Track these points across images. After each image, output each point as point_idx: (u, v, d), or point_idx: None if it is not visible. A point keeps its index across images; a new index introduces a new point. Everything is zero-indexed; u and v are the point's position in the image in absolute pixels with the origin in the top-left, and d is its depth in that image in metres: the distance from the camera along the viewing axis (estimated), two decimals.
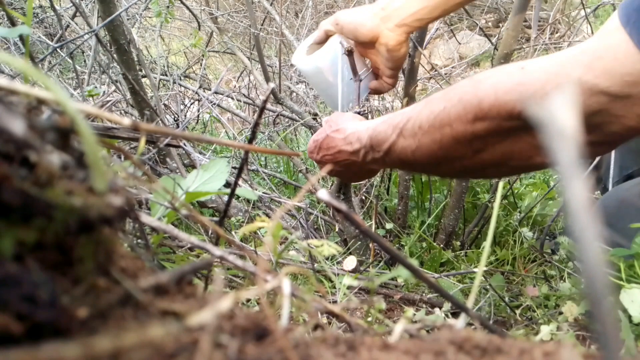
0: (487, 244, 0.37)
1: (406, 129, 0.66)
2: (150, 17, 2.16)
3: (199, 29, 1.65)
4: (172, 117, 1.69)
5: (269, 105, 1.78)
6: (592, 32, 2.04)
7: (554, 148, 0.15)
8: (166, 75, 1.84)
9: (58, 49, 1.34)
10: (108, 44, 1.20)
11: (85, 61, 2.10)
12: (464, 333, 0.23)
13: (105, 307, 0.20)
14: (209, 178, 0.55)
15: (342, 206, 0.28)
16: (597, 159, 1.08)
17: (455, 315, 0.83)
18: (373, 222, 1.19)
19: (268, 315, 0.22)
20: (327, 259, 0.98)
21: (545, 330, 0.59)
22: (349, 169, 0.83)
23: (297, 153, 0.34)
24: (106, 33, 1.04)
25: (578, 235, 0.14)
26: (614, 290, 0.61)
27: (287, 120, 1.85)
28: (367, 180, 1.34)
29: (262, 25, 1.96)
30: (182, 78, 1.99)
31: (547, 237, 1.23)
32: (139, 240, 0.44)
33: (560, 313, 0.77)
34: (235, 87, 2.52)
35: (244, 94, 2.08)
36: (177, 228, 0.94)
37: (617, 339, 0.14)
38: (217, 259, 0.34)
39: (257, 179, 1.63)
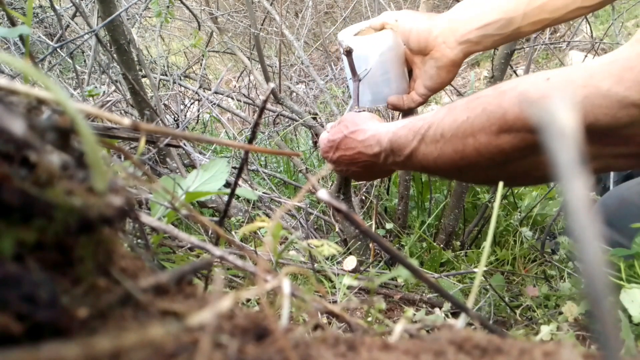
0: (487, 244, 0.37)
1: (428, 136, 0.65)
2: (150, 17, 2.16)
3: (199, 29, 1.65)
4: (172, 117, 1.69)
5: (269, 105, 1.78)
6: (592, 32, 2.04)
7: (554, 148, 0.15)
8: (166, 75, 1.84)
9: (58, 49, 1.34)
10: (108, 44, 1.20)
11: (85, 61, 2.10)
12: (464, 333, 0.23)
13: (105, 307, 0.20)
14: (209, 178, 0.55)
15: (342, 206, 0.28)
16: None
17: (455, 315, 0.83)
18: (373, 222, 1.19)
19: (268, 315, 0.22)
20: (327, 259, 0.98)
21: (545, 330, 0.59)
22: (369, 170, 0.81)
23: (297, 153, 0.34)
24: (106, 33, 1.04)
25: (578, 235, 0.14)
26: (614, 290, 0.61)
27: (287, 120, 1.85)
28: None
29: (262, 25, 1.96)
30: (182, 78, 1.99)
31: (547, 237, 1.23)
32: (139, 240, 0.44)
33: (560, 313, 0.77)
34: (235, 87, 2.52)
35: (244, 94, 2.08)
36: (177, 228, 0.94)
37: (617, 339, 0.14)
38: (217, 259, 0.34)
39: (257, 179, 1.63)
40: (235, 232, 1.00)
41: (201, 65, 2.02)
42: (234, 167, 1.32)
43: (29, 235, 0.18)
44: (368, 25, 0.92)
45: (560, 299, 0.88)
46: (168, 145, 0.82)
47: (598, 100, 0.50)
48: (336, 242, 1.19)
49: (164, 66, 1.85)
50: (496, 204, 0.42)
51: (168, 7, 1.30)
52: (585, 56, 1.74)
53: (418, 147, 0.67)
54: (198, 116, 2.06)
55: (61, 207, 0.18)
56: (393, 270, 0.67)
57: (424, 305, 0.90)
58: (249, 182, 1.27)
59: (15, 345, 0.15)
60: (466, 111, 0.61)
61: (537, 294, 0.90)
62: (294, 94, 2.10)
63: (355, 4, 2.58)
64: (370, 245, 1.09)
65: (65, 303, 0.18)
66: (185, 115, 1.78)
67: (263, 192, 1.25)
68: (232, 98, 2.16)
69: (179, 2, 1.47)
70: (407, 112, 0.94)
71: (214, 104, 1.74)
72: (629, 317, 0.58)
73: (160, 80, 1.77)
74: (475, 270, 0.98)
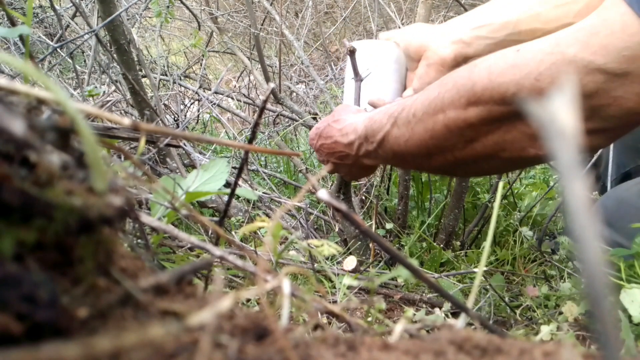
0: (487, 244, 0.37)
1: (400, 118, 0.64)
2: (150, 17, 2.16)
3: (199, 29, 1.65)
4: (172, 117, 1.69)
5: (269, 105, 1.78)
6: None
7: (554, 148, 0.15)
8: (166, 75, 1.84)
9: (58, 49, 1.34)
10: (108, 44, 1.20)
11: (85, 61, 2.10)
12: (464, 333, 0.23)
13: (105, 307, 0.20)
14: (209, 178, 0.55)
15: (342, 206, 0.28)
16: (596, 157, 1.08)
17: (455, 315, 0.83)
18: (373, 222, 1.19)
19: (268, 315, 0.22)
20: (327, 259, 0.98)
21: (545, 330, 0.59)
22: (344, 162, 0.80)
23: (297, 153, 0.34)
24: (106, 33, 1.04)
25: (578, 235, 0.14)
26: (614, 290, 0.61)
27: (287, 120, 1.85)
28: (367, 180, 1.34)
29: (262, 25, 1.96)
30: (182, 78, 1.99)
31: (547, 237, 1.23)
32: (139, 240, 0.44)
33: (560, 313, 0.77)
34: (235, 87, 2.52)
35: (244, 94, 2.08)
36: (177, 228, 0.94)
37: (617, 339, 0.14)
38: (217, 259, 0.34)
39: (257, 179, 1.63)
40: (235, 232, 1.00)
41: (201, 65, 2.02)
42: (234, 167, 1.32)
43: (29, 235, 0.18)
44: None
45: (560, 299, 0.88)
46: (168, 145, 0.82)
47: (564, 66, 0.50)
48: (336, 242, 1.19)
49: (164, 66, 1.85)
50: (496, 204, 0.42)
51: (168, 7, 1.30)
52: None
53: (390, 130, 0.66)
54: (198, 116, 2.06)
55: (61, 207, 0.18)
56: (393, 270, 0.67)
57: (424, 305, 0.90)
58: (249, 182, 1.27)
59: (15, 345, 0.15)
60: (438, 87, 0.60)
61: (537, 294, 0.90)
62: (294, 94, 2.10)
63: (355, 4, 2.58)
64: (371, 245, 1.09)
65: (65, 303, 0.18)
66: (185, 115, 1.78)
67: (263, 192, 1.25)
68: (232, 98, 2.16)
69: (179, 2, 1.47)
70: None
71: (214, 104, 1.74)
72: (629, 317, 0.58)
73: (160, 80, 1.77)
74: (475, 270, 0.98)
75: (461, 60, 0.79)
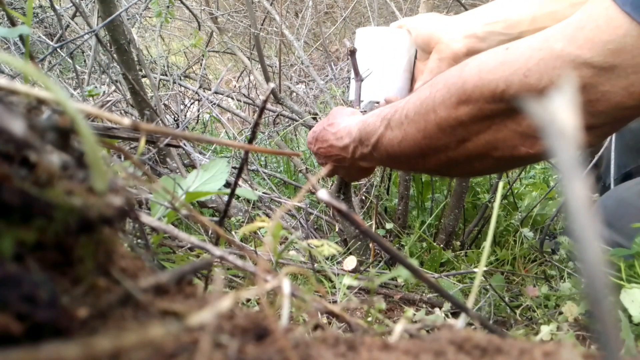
0: (487, 244, 0.37)
1: (393, 120, 0.64)
2: (150, 17, 2.16)
3: (199, 29, 1.65)
4: (172, 117, 1.69)
5: (269, 105, 1.78)
6: None
7: (554, 148, 0.15)
8: (166, 75, 1.84)
9: (58, 49, 1.34)
10: (108, 44, 1.20)
11: (85, 61, 2.10)
12: (464, 333, 0.23)
13: (105, 307, 0.20)
14: (209, 178, 0.55)
15: (342, 206, 0.28)
16: (597, 157, 1.07)
17: (455, 315, 0.83)
18: (373, 222, 1.19)
19: (268, 315, 0.22)
20: (327, 259, 0.98)
21: (545, 330, 0.59)
22: (341, 165, 0.81)
23: (297, 153, 0.34)
24: (106, 33, 1.04)
25: (578, 235, 0.14)
26: (614, 290, 0.61)
27: (287, 120, 1.85)
28: (367, 180, 1.33)
29: (262, 25, 1.96)
30: (182, 78, 1.99)
31: (547, 237, 1.23)
32: (139, 240, 0.44)
33: (560, 313, 0.77)
34: (235, 87, 2.52)
35: (244, 94, 2.08)
36: (177, 228, 0.94)
37: (617, 339, 0.14)
38: (217, 259, 0.34)
39: (257, 179, 1.63)
40: (235, 232, 1.00)
41: (201, 65, 2.02)
42: (234, 167, 1.32)
43: (29, 235, 0.18)
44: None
45: (560, 299, 0.88)
46: (168, 145, 0.82)
47: (552, 61, 0.50)
48: (336, 242, 1.19)
49: (164, 66, 1.85)
50: (496, 204, 0.42)
51: (168, 7, 1.30)
52: None
53: (384, 133, 0.66)
54: (198, 116, 2.06)
55: (61, 207, 0.18)
56: (393, 270, 0.67)
57: (424, 305, 0.90)
58: (249, 182, 1.27)
59: (15, 345, 0.15)
60: (429, 87, 0.61)
61: (537, 294, 0.90)
62: (294, 94, 2.10)
63: (355, 4, 2.59)
64: (371, 245, 1.09)
65: (65, 303, 0.18)
66: (185, 115, 1.78)
67: (263, 192, 1.25)
68: (232, 98, 2.16)
69: (179, 2, 1.47)
70: None
71: (214, 104, 1.74)
72: (629, 317, 0.58)
73: (160, 80, 1.77)
74: (475, 270, 0.98)
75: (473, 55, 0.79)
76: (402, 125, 0.63)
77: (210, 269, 0.49)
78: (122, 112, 1.50)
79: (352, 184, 1.13)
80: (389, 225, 1.19)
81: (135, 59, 1.13)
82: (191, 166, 1.29)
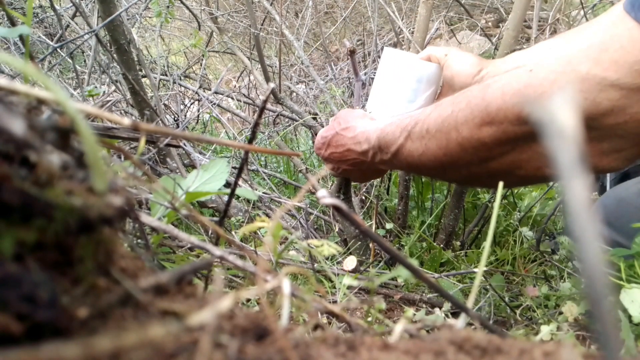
0: (487, 244, 0.37)
1: (414, 132, 0.65)
2: (150, 17, 2.16)
3: (199, 29, 1.65)
4: (172, 117, 1.69)
5: (269, 105, 1.78)
6: None
7: (553, 148, 0.15)
8: (166, 75, 1.84)
9: (58, 49, 1.34)
10: (108, 44, 1.20)
11: (85, 61, 2.10)
12: (464, 333, 0.23)
13: (105, 307, 0.20)
14: (209, 178, 0.55)
15: (342, 206, 0.28)
16: None
17: (455, 315, 0.83)
18: (373, 222, 1.19)
19: (268, 315, 0.22)
20: (327, 259, 0.98)
21: (545, 330, 0.59)
22: (358, 168, 0.81)
23: (297, 153, 0.34)
24: (106, 33, 1.04)
25: (578, 235, 0.14)
26: (614, 290, 0.61)
27: (287, 120, 1.85)
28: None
29: (262, 25, 1.96)
30: (182, 78, 1.99)
31: (547, 237, 1.23)
32: (139, 240, 0.44)
33: (560, 313, 0.77)
34: (235, 87, 2.52)
35: (244, 94, 2.08)
36: (177, 228, 0.94)
37: (617, 339, 0.14)
38: (217, 259, 0.34)
39: (257, 179, 1.63)
40: (235, 232, 1.00)
41: (201, 65, 2.02)
42: (234, 167, 1.32)
43: (29, 235, 0.18)
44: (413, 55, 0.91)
45: (560, 299, 0.88)
46: (168, 145, 0.82)
47: (578, 84, 0.49)
48: (336, 242, 1.19)
49: (164, 66, 1.85)
50: (496, 204, 0.42)
51: (168, 7, 1.30)
52: None
53: (404, 143, 0.66)
54: (198, 116, 2.06)
55: (61, 207, 0.18)
56: (393, 270, 0.67)
57: (424, 305, 0.90)
58: (249, 182, 1.27)
59: (15, 345, 0.15)
60: (451, 105, 0.60)
61: (537, 294, 0.90)
62: (294, 94, 2.10)
63: (355, 4, 2.58)
64: (371, 245, 1.09)
65: (65, 303, 0.18)
66: (185, 115, 1.78)
67: (263, 192, 1.25)
68: (232, 98, 2.16)
69: (179, 2, 1.47)
70: None
71: (214, 104, 1.74)
72: (629, 317, 0.58)
73: (160, 80, 1.77)
74: (475, 270, 0.98)
75: None
76: (423, 140, 0.63)
77: (210, 269, 0.49)
78: (122, 112, 1.50)
79: (352, 184, 1.13)
80: (389, 225, 1.19)
81: (135, 59, 1.13)
82: (191, 166, 1.29)
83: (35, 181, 0.19)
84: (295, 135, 2.19)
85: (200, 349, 0.18)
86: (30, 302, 0.16)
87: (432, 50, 0.87)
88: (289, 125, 1.85)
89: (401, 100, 0.85)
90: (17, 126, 0.19)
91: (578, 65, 0.50)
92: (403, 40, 1.44)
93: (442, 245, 1.16)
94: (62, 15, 1.39)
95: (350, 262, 0.90)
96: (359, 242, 1.09)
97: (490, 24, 4.06)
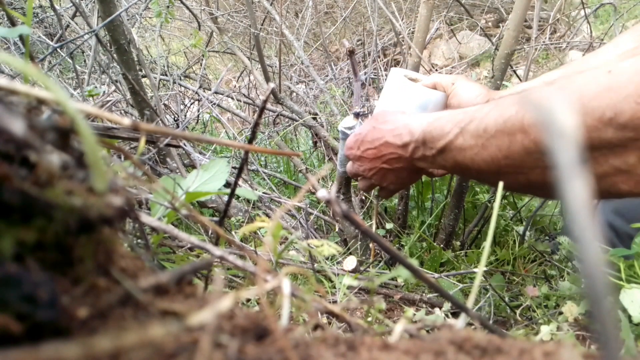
0: (487, 244, 0.37)
1: (468, 129, 0.60)
2: (150, 17, 2.16)
3: (199, 29, 1.65)
4: (172, 117, 1.69)
5: (269, 105, 1.78)
6: (592, 32, 2.04)
7: (553, 147, 0.15)
8: (166, 75, 1.84)
9: (58, 49, 1.34)
10: (108, 44, 1.20)
11: (85, 61, 2.10)
12: (464, 333, 0.23)
13: (105, 307, 0.20)
14: (209, 178, 0.55)
15: (342, 206, 0.28)
16: None
17: (455, 315, 0.83)
18: (373, 222, 1.19)
19: (268, 315, 0.22)
20: (327, 259, 0.98)
21: (545, 330, 0.59)
22: (393, 167, 0.74)
23: (297, 153, 0.34)
24: (106, 33, 1.04)
25: (578, 235, 0.14)
26: (614, 290, 0.61)
27: (287, 120, 1.85)
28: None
29: (262, 25, 1.96)
30: (182, 78, 1.99)
31: (547, 238, 1.23)
32: (139, 240, 0.44)
33: (560, 313, 0.77)
34: (235, 87, 2.52)
35: (244, 94, 2.08)
36: (177, 228, 0.94)
37: (617, 339, 0.14)
38: (217, 259, 0.34)
39: (257, 179, 1.63)
40: (235, 232, 1.00)
41: (201, 65, 2.02)
42: (234, 167, 1.32)
43: (29, 235, 0.18)
44: (417, 77, 0.89)
45: (560, 299, 0.88)
46: (168, 145, 0.82)
47: None
48: (336, 242, 1.19)
49: (164, 66, 1.85)
50: (496, 204, 0.42)
51: (168, 7, 1.30)
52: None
53: (455, 139, 0.61)
54: (198, 116, 2.06)
55: (61, 207, 0.18)
56: (393, 270, 0.67)
57: (424, 305, 0.90)
58: (249, 182, 1.27)
59: (15, 345, 0.15)
60: (514, 105, 0.56)
61: (537, 294, 0.90)
62: (294, 94, 2.10)
63: (355, 4, 2.58)
64: (371, 245, 1.09)
65: (65, 303, 0.18)
66: (185, 115, 1.78)
67: (263, 192, 1.25)
68: (232, 98, 2.16)
69: (179, 2, 1.47)
70: None
71: (214, 104, 1.74)
72: (629, 317, 0.58)
73: (160, 80, 1.77)
74: (475, 270, 0.98)
75: None
76: (479, 139, 0.58)
77: (210, 269, 0.49)
78: (122, 112, 1.50)
79: (352, 183, 1.13)
80: (389, 225, 1.20)
81: (135, 59, 1.13)
82: (191, 166, 1.29)
83: (35, 181, 0.19)
84: (295, 135, 2.19)
85: (200, 349, 0.18)
86: (30, 302, 0.16)
87: (438, 77, 0.85)
88: (289, 125, 1.85)
89: None
90: (17, 126, 0.19)
91: None
92: (403, 40, 1.44)
93: (442, 245, 1.16)
94: (62, 15, 1.39)
95: (350, 262, 0.90)
96: (359, 242, 1.09)
97: (490, 24, 4.06)
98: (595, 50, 0.78)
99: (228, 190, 0.46)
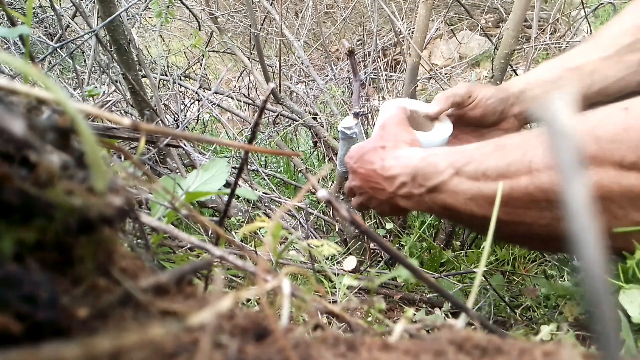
0: (487, 244, 0.37)
1: (465, 171, 0.54)
2: (150, 17, 2.16)
3: (199, 29, 1.65)
4: (172, 117, 1.69)
5: (269, 105, 1.78)
6: (592, 32, 2.03)
7: (553, 147, 0.15)
8: (166, 75, 1.84)
9: (58, 49, 1.34)
10: (108, 44, 1.20)
11: (85, 61, 2.10)
12: (464, 333, 0.23)
13: (105, 307, 0.20)
14: (209, 178, 0.55)
15: (342, 206, 0.28)
16: None
17: (455, 315, 0.83)
18: (373, 222, 1.19)
19: (268, 315, 0.22)
20: (327, 259, 0.98)
21: (545, 330, 0.59)
22: (376, 196, 0.69)
23: (297, 153, 0.34)
24: (106, 33, 1.04)
25: (578, 236, 0.14)
26: (614, 290, 0.61)
27: (287, 120, 1.85)
28: None
29: (262, 25, 1.96)
30: (182, 78, 1.99)
31: None
32: (139, 240, 0.44)
33: (561, 313, 0.77)
34: (235, 87, 2.52)
35: (244, 94, 2.08)
36: (177, 228, 0.94)
37: (617, 339, 0.14)
38: (217, 259, 0.34)
39: (257, 179, 1.63)
40: (235, 232, 1.00)
41: (201, 65, 2.02)
42: (234, 167, 1.32)
43: (29, 235, 0.18)
44: (423, 107, 0.79)
45: (560, 299, 0.88)
46: (168, 145, 0.82)
47: None
48: (336, 242, 1.19)
49: (164, 66, 1.85)
50: (496, 204, 0.42)
51: (168, 7, 1.30)
52: None
53: (449, 180, 0.56)
54: (198, 116, 2.06)
55: (61, 207, 0.18)
56: (393, 270, 0.67)
57: (424, 305, 0.90)
58: (249, 182, 1.27)
59: (15, 345, 0.15)
60: (519, 149, 0.50)
61: (537, 294, 0.90)
62: (294, 94, 2.10)
63: (355, 4, 2.59)
64: (370, 244, 1.09)
65: (65, 303, 0.18)
66: (185, 115, 1.78)
67: (263, 192, 1.25)
68: (232, 98, 2.16)
69: (179, 2, 1.47)
70: None
71: (214, 104, 1.74)
72: (628, 317, 0.58)
73: (160, 80, 1.77)
74: (475, 270, 0.98)
75: None
76: (476, 182, 0.52)
77: (210, 269, 0.49)
78: (122, 112, 1.50)
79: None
80: (389, 225, 1.20)
81: (135, 59, 1.13)
82: (191, 166, 1.29)
83: (36, 181, 0.19)
84: (295, 135, 2.19)
85: (200, 349, 0.18)
86: (30, 302, 0.16)
87: (445, 99, 0.76)
88: (289, 125, 1.85)
89: None
90: (17, 126, 0.19)
91: None
92: (403, 40, 1.43)
93: (442, 245, 1.16)
94: (62, 15, 1.39)
95: (350, 262, 0.90)
96: (359, 242, 1.09)
97: (490, 24, 4.06)
98: (598, 32, 0.76)
99: (228, 190, 0.46)
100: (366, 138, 0.83)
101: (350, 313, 0.81)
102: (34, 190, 0.18)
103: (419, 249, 1.15)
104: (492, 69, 1.05)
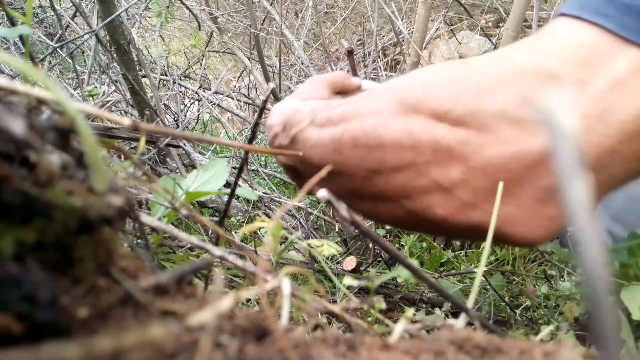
0: (487, 244, 0.37)
1: (318, 118, 0.46)
2: (150, 17, 2.16)
3: (199, 29, 1.65)
4: (172, 117, 1.69)
5: (269, 105, 1.78)
6: None
7: (553, 147, 0.15)
8: (166, 75, 1.84)
9: (58, 49, 1.34)
10: (108, 44, 1.20)
11: (85, 61, 2.10)
12: (464, 333, 0.23)
13: (106, 307, 0.20)
14: (209, 178, 0.55)
15: (342, 206, 0.28)
16: None
17: (455, 315, 0.83)
18: (373, 222, 1.19)
19: (268, 315, 0.22)
20: (327, 259, 0.98)
21: (545, 330, 0.59)
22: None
23: (297, 153, 0.34)
24: (106, 33, 1.04)
25: (578, 235, 0.14)
26: (614, 290, 0.61)
27: None
28: None
29: (262, 25, 1.96)
30: (182, 78, 1.99)
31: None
32: (139, 240, 0.44)
33: (561, 313, 0.77)
34: (235, 87, 2.52)
35: (244, 94, 2.08)
36: (177, 228, 0.94)
37: (617, 339, 0.14)
38: (217, 259, 0.34)
39: (257, 179, 1.63)
40: (235, 232, 1.00)
41: (201, 65, 2.02)
42: (234, 167, 1.32)
43: (29, 235, 0.18)
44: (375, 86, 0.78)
45: (560, 299, 0.88)
46: (168, 145, 0.82)
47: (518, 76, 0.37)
48: (336, 242, 1.19)
49: (164, 66, 1.85)
50: (496, 204, 0.42)
51: (168, 7, 1.30)
52: None
53: (305, 128, 0.47)
54: (198, 116, 2.06)
55: (61, 207, 0.18)
56: (393, 270, 0.67)
57: (424, 305, 0.90)
58: (249, 182, 1.27)
59: (15, 345, 0.15)
60: (369, 96, 0.44)
61: (537, 294, 0.90)
62: None
63: (355, 4, 2.59)
64: (374, 245, 1.09)
65: (65, 303, 0.18)
66: (185, 115, 1.78)
67: (263, 192, 1.25)
68: (232, 98, 2.16)
69: (179, 2, 1.47)
70: None
71: (214, 104, 1.74)
72: (629, 316, 0.58)
73: (160, 80, 1.77)
74: (475, 270, 0.98)
75: None
76: (323, 127, 0.45)
77: (210, 269, 0.49)
78: (122, 112, 1.50)
79: None
80: (389, 225, 1.19)
81: (135, 59, 1.13)
82: (191, 166, 1.29)
83: (35, 181, 0.19)
84: None
85: (200, 349, 0.18)
86: (30, 302, 0.16)
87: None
88: None
89: None
90: (17, 126, 0.19)
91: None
92: (403, 40, 1.43)
93: (442, 245, 1.16)
94: (62, 15, 1.39)
95: (350, 262, 0.90)
96: (359, 242, 1.09)
97: (490, 24, 4.06)
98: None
99: (228, 190, 0.46)
100: None
101: (350, 313, 0.81)
102: (34, 191, 0.18)
103: (419, 249, 1.15)
104: None
